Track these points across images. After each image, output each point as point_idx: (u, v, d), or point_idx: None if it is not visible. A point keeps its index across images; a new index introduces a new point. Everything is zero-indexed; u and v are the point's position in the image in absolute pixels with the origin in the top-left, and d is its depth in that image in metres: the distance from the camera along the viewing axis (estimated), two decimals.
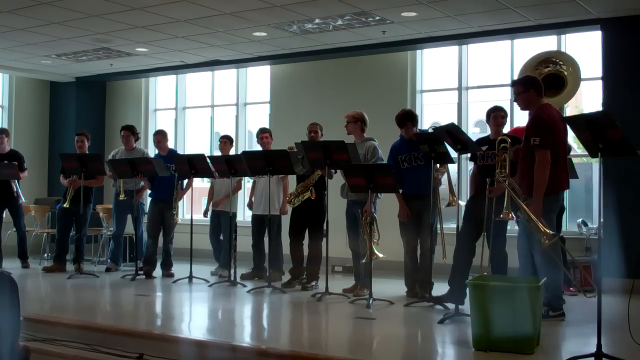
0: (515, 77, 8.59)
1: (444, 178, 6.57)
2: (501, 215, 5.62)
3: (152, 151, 9.84)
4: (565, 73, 6.73)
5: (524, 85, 5.59)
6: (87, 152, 9.07)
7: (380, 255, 6.46)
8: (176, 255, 8.82)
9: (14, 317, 3.09)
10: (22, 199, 9.02)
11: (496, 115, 6.51)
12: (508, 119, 6.94)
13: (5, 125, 11.42)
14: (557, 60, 6.81)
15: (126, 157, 8.50)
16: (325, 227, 6.94)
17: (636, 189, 7.39)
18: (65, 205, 8.64)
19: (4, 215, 9.22)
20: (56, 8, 7.58)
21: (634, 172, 7.23)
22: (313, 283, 7.52)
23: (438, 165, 6.51)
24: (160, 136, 8.83)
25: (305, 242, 7.78)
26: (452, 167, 8.34)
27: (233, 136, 10.76)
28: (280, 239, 8.06)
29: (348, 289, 7.18)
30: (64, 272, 8.76)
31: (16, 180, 8.92)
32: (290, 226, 7.78)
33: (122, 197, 8.63)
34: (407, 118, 6.82)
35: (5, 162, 8.97)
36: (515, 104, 7.68)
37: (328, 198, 7.19)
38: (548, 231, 4.88)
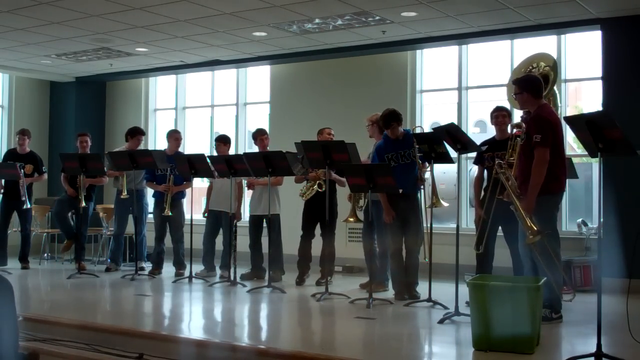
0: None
1: (428, 178, 6.63)
2: (504, 194, 5.68)
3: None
4: (547, 68, 6.79)
5: (520, 86, 5.63)
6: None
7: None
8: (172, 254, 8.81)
9: (12, 321, 3.09)
10: (29, 205, 9.02)
11: (497, 115, 6.58)
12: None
13: (5, 125, 11.44)
14: (536, 65, 6.85)
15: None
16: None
17: (636, 189, 7.39)
18: (82, 205, 8.60)
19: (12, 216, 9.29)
20: (56, 8, 7.58)
21: (634, 172, 7.23)
22: (329, 278, 7.56)
23: (420, 162, 6.64)
24: (179, 135, 8.89)
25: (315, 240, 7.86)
26: (444, 168, 8.41)
27: (233, 136, 10.80)
28: (280, 239, 8.06)
29: (364, 284, 7.23)
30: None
31: (25, 186, 8.90)
32: (303, 222, 7.84)
33: (124, 195, 8.62)
34: (393, 118, 6.74)
35: (10, 162, 9.01)
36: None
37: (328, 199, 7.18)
38: (534, 227, 5.09)
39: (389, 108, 6.87)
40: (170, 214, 8.42)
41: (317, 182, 7.51)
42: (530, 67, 6.81)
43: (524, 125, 5.81)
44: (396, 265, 6.86)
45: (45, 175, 9.52)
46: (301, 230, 7.87)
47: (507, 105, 7.04)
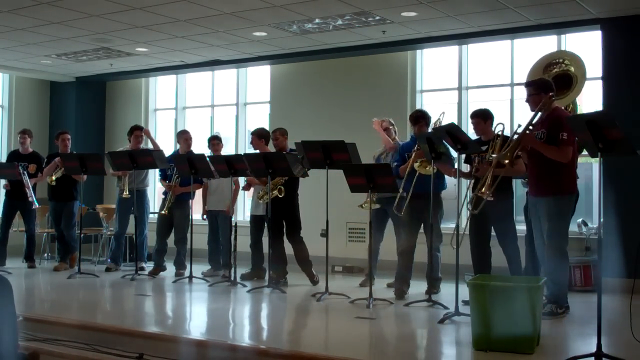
0: (514, 77, 8.65)
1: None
2: (482, 191, 5.78)
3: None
4: (572, 69, 6.77)
5: (536, 88, 5.74)
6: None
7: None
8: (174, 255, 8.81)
9: (12, 320, 3.09)
10: (36, 205, 9.04)
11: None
12: (508, 121, 7.01)
13: (5, 126, 11.44)
14: (561, 60, 6.83)
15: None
16: (325, 227, 6.94)
17: (636, 189, 7.39)
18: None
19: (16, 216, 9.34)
20: (56, 8, 7.58)
21: (634, 172, 7.23)
22: (315, 280, 7.67)
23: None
24: (187, 135, 8.90)
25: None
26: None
27: (233, 136, 10.81)
28: (282, 239, 8.07)
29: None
30: (67, 269, 8.84)
31: (31, 186, 8.92)
32: (269, 228, 7.83)
33: (125, 194, 8.62)
34: (422, 117, 7.06)
35: (10, 162, 9.03)
36: (516, 105, 7.78)
37: (328, 198, 7.18)
38: (509, 155, 5.42)
39: (421, 109, 7.36)
40: (166, 213, 8.43)
41: (278, 187, 7.57)
42: (553, 63, 6.81)
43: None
44: (403, 263, 6.94)
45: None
46: (269, 238, 7.80)
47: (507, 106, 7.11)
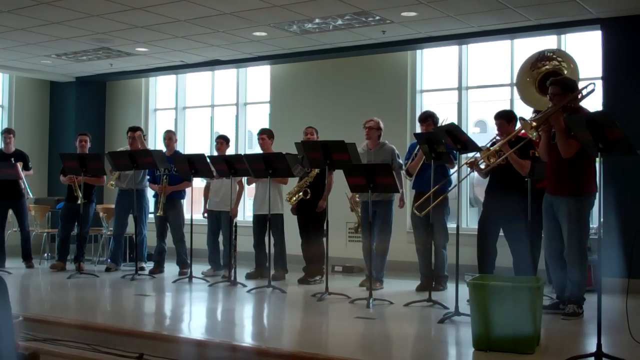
0: (514, 77, 8.63)
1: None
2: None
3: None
4: (565, 72, 6.68)
5: (563, 87, 5.59)
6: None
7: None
8: (175, 255, 8.82)
9: (9, 319, 3.10)
10: (30, 195, 9.05)
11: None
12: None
13: (5, 126, 11.43)
14: (556, 57, 6.74)
15: None
16: (325, 227, 6.95)
17: (636, 189, 7.39)
18: (78, 202, 8.65)
19: (8, 215, 9.31)
20: (56, 8, 7.58)
21: (634, 172, 7.23)
22: (317, 278, 7.68)
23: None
24: (172, 134, 8.97)
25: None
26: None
27: (233, 136, 10.81)
28: (283, 239, 8.08)
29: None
30: (65, 270, 8.82)
31: (25, 181, 8.95)
32: (299, 227, 7.98)
33: (110, 184, 8.85)
34: (429, 117, 7.23)
35: (11, 161, 9.01)
36: (516, 105, 7.76)
37: (328, 198, 7.20)
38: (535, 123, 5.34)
39: (430, 110, 7.47)
40: (161, 214, 8.46)
41: (304, 189, 7.64)
42: (545, 58, 6.74)
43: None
44: (420, 259, 7.24)
45: (31, 171, 9.52)
46: (300, 237, 7.96)
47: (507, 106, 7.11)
